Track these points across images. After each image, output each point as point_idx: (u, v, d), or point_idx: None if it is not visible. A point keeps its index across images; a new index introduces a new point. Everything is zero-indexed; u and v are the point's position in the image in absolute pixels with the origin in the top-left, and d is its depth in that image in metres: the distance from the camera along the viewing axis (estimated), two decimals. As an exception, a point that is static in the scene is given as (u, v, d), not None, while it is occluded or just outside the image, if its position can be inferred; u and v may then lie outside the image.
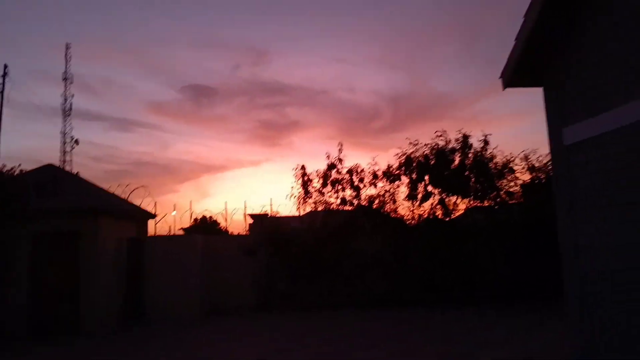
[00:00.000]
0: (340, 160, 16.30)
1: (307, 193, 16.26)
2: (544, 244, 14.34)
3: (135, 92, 46.75)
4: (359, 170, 16.30)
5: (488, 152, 15.54)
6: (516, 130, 34.75)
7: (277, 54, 45.86)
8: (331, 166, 16.28)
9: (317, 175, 16.39)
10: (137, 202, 16.58)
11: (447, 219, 15.86)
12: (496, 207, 15.89)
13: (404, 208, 16.39)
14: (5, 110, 23.35)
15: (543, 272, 14.22)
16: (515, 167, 15.83)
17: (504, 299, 14.27)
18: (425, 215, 15.82)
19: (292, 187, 16.39)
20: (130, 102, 49.19)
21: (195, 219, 31.78)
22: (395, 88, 43.98)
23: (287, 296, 15.54)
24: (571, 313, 6.06)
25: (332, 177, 16.32)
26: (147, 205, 16.78)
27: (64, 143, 36.98)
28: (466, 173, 15.54)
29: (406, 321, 12.41)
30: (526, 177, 15.99)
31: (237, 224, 16.92)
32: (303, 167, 16.34)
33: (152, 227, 17.18)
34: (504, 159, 15.74)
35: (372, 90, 45.61)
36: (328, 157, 16.29)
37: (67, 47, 36.54)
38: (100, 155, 48.70)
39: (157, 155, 48.87)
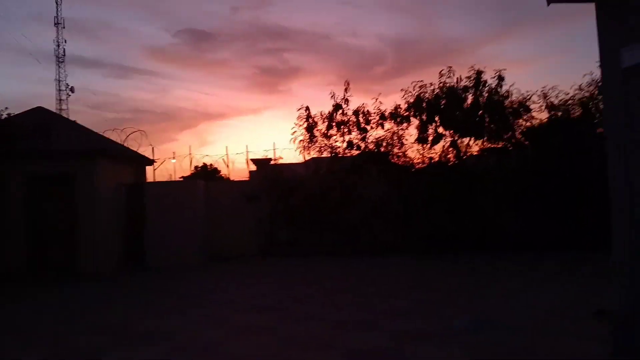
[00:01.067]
0: (346, 100, 15.39)
1: (311, 137, 15.47)
2: (559, 191, 13.83)
3: (132, 37, 44.89)
4: (365, 111, 15.45)
5: (503, 90, 14.64)
6: (527, 75, 33.38)
7: None
8: (337, 107, 15.40)
9: (322, 117, 15.55)
10: (134, 147, 15.88)
11: (458, 162, 15.18)
12: (510, 147, 15.17)
13: (414, 151, 15.69)
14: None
15: (558, 222, 13.79)
16: (532, 106, 15.04)
17: (515, 250, 13.45)
18: (437, 159, 15.11)
19: (295, 131, 15.60)
20: (127, 47, 47.46)
21: (196, 166, 31.15)
22: (400, 32, 42.06)
23: (289, 243, 15.14)
24: (619, 265, 5.47)
25: (337, 119, 15.49)
26: (145, 151, 16.10)
27: (59, 90, 36.16)
28: (480, 112, 14.70)
29: (419, 271, 12.04)
30: (543, 116, 15.19)
31: (239, 172, 16.37)
32: (307, 109, 15.48)
33: (150, 173, 16.60)
34: (520, 97, 14.90)
35: (376, 35, 43.66)
36: (333, 96, 15.40)
37: (59, -11, 34.64)
38: (98, 103, 47.50)
39: (155, 103, 47.65)
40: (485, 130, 14.86)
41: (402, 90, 15.00)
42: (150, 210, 13.59)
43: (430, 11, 40.53)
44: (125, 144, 15.90)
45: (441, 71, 14.75)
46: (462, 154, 15.17)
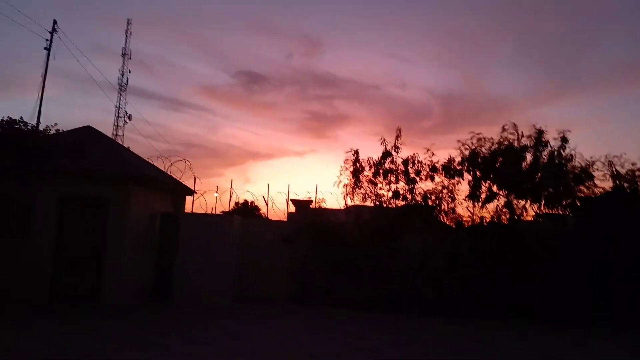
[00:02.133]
0: (396, 148, 14.75)
1: (357, 181, 14.80)
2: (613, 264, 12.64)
3: (189, 74, 46.87)
4: (415, 161, 14.73)
5: (566, 152, 13.70)
6: (580, 139, 32.19)
7: (331, 44, 44.89)
8: (386, 154, 14.75)
9: (369, 163, 14.91)
10: (177, 176, 15.60)
11: (511, 224, 14.12)
12: (569, 214, 14.04)
13: (463, 209, 14.76)
14: (61, 80, 22.95)
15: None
16: (595, 174, 13.98)
17: (561, 318, 12.39)
18: (489, 219, 14.11)
19: (341, 174, 14.97)
20: (184, 83, 49.43)
21: (237, 203, 30.96)
22: (448, 87, 42.14)
23: (323, 291, 14.23)
24: None
25: (386, 166, 14.82)
26: (187, 180, 15.74)
27: (117, 117, 37.94)
28: (539, 174, 13.75)
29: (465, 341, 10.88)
30: (607, 185, 14.09)
31: (278, 212, 15.86)
32: (356, 153, 14.90)
33: (191, 205, 16.19)
34: (583, 163, 13.90)
35: (423, 88, 43.90)
36: (383, 142, 14.79)
37: (128, 22, 37.04)
38: (152, 133, 48.95)
39: (205, 138, 48.87)
40: (542, 194, 13.85)
41: (458, 141, 14.29)
42: (183, 242, 13.03)
43: (477, 67, 40.34)
44: (168, 172, 15.67)
45: (504, 126, 14.01)
46: (515, 216, 14.11)
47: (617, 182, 13.83)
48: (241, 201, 30.42)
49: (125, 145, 21.97)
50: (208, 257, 12.91)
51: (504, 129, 13.95)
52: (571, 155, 13.61)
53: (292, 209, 15.46)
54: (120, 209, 11.83)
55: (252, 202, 28.40)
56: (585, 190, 13.96)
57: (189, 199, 15.98)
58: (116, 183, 11.91)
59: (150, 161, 15.50)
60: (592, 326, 12.03)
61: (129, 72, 38.07)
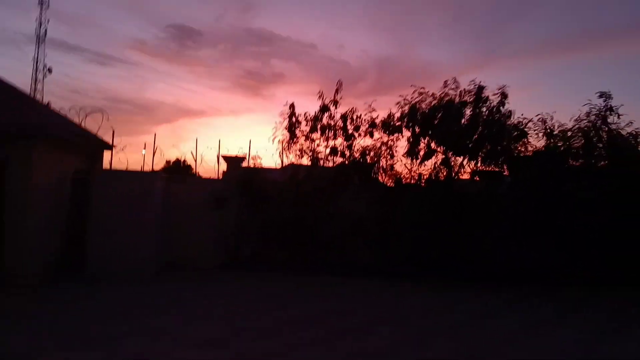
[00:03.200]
0: (335, 103, 13.91)
1: (293, 137, 13.90)
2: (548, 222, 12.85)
3: (116, 27, 42.62)
4: (354, 116, 14.00)
5: (505, 108, 13.47)
6: (511, 104, 32.91)
7: (269, 2, 42.30)
8: (324, 108, 13.89)
9: (307, 118, 14.01)
10: (94, 130, 13.86)
11: (448, 182, 13.93)
12: (505, 172, 14.04)
13: (402, 166, 14.35)
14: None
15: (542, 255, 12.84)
16: (529, 132, 13.93)
17: (496, 281, 12.44)
18: (427, 176, 13.81)
19: (276, 129, 13.99)
20: (111, 36, 44.83)
21: (168, 161, 29.20)
22: (383, 52, 41.66)
23: (257, 256, 13.52)
24: None
25: (323, 122, 13.98)
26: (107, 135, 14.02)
27: (36, 71, 34.70)
28: (478, 130, 13.49)
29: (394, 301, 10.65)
30: (541, 143, 14.12)
31: (209, 170, 14.64)
32: (292, 106, 13.91)
33: (111, 162, 14.50)
34: (516, 121, 13.78)
35: (359, 51, 43.03)
36: (321, 96, 13.87)
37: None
38: (76, 88, 44.47)
39: (134, 94, 45.29)
40: (480, 151, 13.67)
41: (400, 95, 13.66)
42: (98, 205, 11.61)
43: (413, 34, 40.19)
44: (83, 125, 13.90)
45: (446, 81, 13.50)
46: (453, 174, 13.92)
47: (551, 140, 13.88)
48: (172, 159, 28.77)
49: (46, 100, 19.89)
50: (128, 220, 11.64)
51: (445, 84, 13.47)
52: (509, 112, 13.40)
53: (224, 166, 14.38)
54: (20, 171, 10.20)
55: (185, 161, 26.80)
56: (520, 148, 13.95)
57: (108, 155, 14.33)
58: (16, 141, 10.21)
59: (65, 115, 13.65)
60: (525, 286, 12.21)
61: (48, 22, 34.86)
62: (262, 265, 13.26)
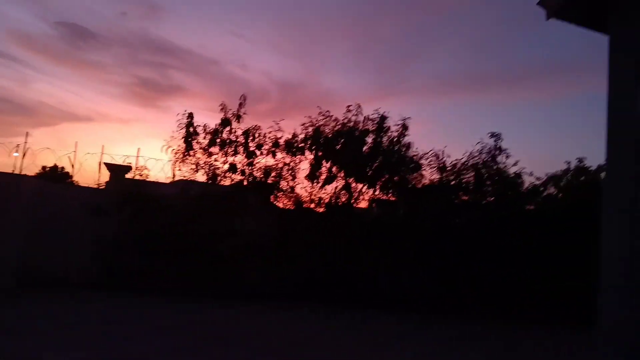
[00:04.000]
0: (238, 117, 13.27)
1: (189, 148, 12.97)
2: (439, 253, 13.19)
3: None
4: (257, 134, 13.46)
5: (405, 140, 13.79)
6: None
7: (172, 12, 40.85)
8: (225, 122, 13.19)
9: (206, 130, 13.19)
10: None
11: (347, 208, 13.82)
12: (399, 202, 14.27)
13: (302, 189, 13.99)
14: None
15: (428, 283, 13.09)
16: (424, 165, 14.37)
17: (386, 306, 12.48)
18: (327, 200, 13.57)
19: (170, 139, 12.97)
20: None
21: (44, 167, 26.20)
22: (286, 75, 42.07)
23: (138, 274, 12.15)
24: (605, 335, 4.11)
25: (223, 136, 13.25)
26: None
27: None
28: (379, 159, 13.61)
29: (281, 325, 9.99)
30: (435, 176, 14.63)
31: (89, 178, 13.02)
32: (190, 115, 13.01)
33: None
34: (415, 153, 14.19)
35: (263, 72, 43.08)
36: (223, 108, 13.17)
37: None
38: None
39: (13, 92, 40.40)
40: (379, 179, 13.79)
41: (307, 116, 13.44)
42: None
43: (316, 61, 41.30)
44: None
45: (349, 106, 13.51)
46: (352, 200, 13.85)
47: (443, 174, 14.41)
48: (49, 165, 26.02)
49: None
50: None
51: (348, 109, 13.52)
52: (409, 143, 13.74)
53: (107, 175, 12.96)
54: None
55: (62, 168, 24.41)
56: (416, 179, 14.31)
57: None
58: None
59: None
60: (407, 314, 12.25)
61: None
62: (143, 283, 11.90)
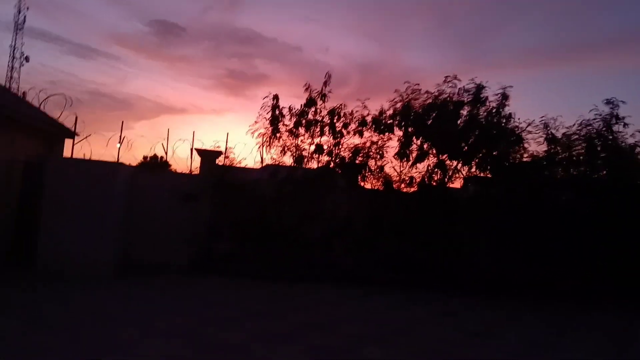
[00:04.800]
0: (323, 96, 12.80)
1: (276, 131, 12.72)
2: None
3: (98, 19, 41.19)
4: (343, 112, 12.92)
5: (505, 111, 12.54)
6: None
7: (252, 2, 41.64)
8: (310, 101, 12.75)
9: (291, 111, 12.87)
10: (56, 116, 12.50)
11: (442, 187, 12.92)
12: (499, 179, 13.08)
13: (390, 168, 13.29)
14: None
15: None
16: (528, 136, 12.99)
17: (486, 291, 11.64)
18: (419, 179, 12.76)
19: (257, 122, 12.80)
20: (93, 28, 43.42)
21: (145, 157, 27.79)
22: (367, 57, 41.19)
23: (230, 259, 12.22)
24: None
25: (309, 117, 12.86)
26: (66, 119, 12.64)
27: (12, 58, 34.14)
28: (475, 133, 12.53)
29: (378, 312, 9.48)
30: (542, 148, 13.20)
31: (181, 164, 13.42)
32: (276, 97, 12.74)
33: (75, 151, 13.07)
34: (518, 124, 12.85)
35: (343, 56, 42.49)
36: (308, 88, 12.76)
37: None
38: (55, 79, 42.74)
39: (114, 89, 43.74)
40: (476, 156, 12.72)
41: (395, 91, 12.65)
42: (51, 195, 10.27)
43: (397, 39, 39.79)
44: (41, 108, 12.57)
45: (447, 77, 12.52)
46: (446, 178, 12.92)
47: (552, 146, 12.98)
48: (150, 155, 27.46)
49: (22, 90, 18.85)
50: (85, 214, 10.31)
51: (445, 80, 12.50)
52: (510, 114, 12.47)
53: (198, 161, 13.11)
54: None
55: (162, 158, 25.62)
56: (517, 154, 13.03)
57: (71, 144, 12.95)
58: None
59: (21, 96, 12.29)
60: (511, 300, 11.27)
61: (27, 9, 34.28)
62: (236, 266, 11.97)
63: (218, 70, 42.91)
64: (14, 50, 34.03)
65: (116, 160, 12.74)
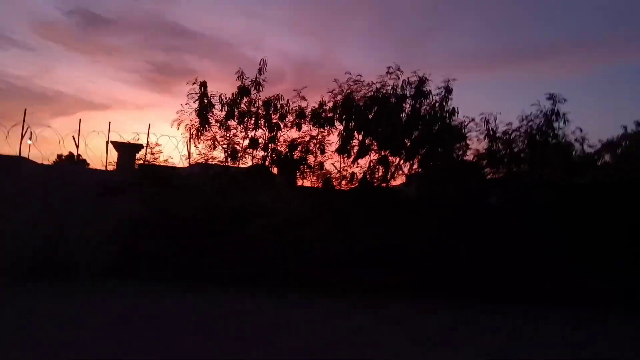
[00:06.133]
0: (257, 84, 11.73)
1: (205, 122, 11.52)
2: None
3: (12, 5, 37.09)
4: (279, 104, 11.93)
5: (449, 105, 12.05)
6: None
7: None
8: (243, 91, 11.67)
9: (222, 100, 11.70)
10: None
11: (384, 185, 12.27)
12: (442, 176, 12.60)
13: (330, 164, 12.46)
14: None
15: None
16: (469, 134, 12.61)
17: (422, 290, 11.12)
18: (360, 177, 12.01)
19: (182, 113, 11.52)
20: (6, 15, 39.21)
21: (59, 155, 25.36)
22: (302, 54, 40.24)
23: (157, 259, 10.90)
24: None
25: (242, 107, 11.76)
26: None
27: None
28: (418, 129, 11.96)
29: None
30: (482, 146, 12.88)
31: (96, 159, 11.85)
32: (203, 84, 11.52)
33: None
34: (461, 121, 12.43)
35: (278, 52, 41.25)
36: (240, 77, 11.65)
37: None
38: None
39: (30, 81, 39.74)
40: (419, 152, 12.16)
41: (335, 80, 11.80)
42: None
43: (333, 39, 39.28)
44: None
45: (389, 68, 11.80)
46: (389, 175, 12.28)
47: (493, 143, 12.67)
48: (61, 149, 25.28)
49: None
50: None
51: (388, 72, 11.79)
52: (453, 109, 12.00)
53: (116, 155, 11.64)
54: None
55: (79, 155, 23.65)
56: (460, 150, 12.62)
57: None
58: None
59: None
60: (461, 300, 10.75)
61: None
62: (161, 268, 10.66)
63: (144, 65, 40.45)
64: None
65: (28, 156, 10.99)
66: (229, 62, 39.57)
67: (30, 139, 11.61)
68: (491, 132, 12.40)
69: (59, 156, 26.68)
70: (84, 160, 18.95)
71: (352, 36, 38.83)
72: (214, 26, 41.76)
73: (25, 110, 10.81)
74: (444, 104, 11.92)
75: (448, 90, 11.90)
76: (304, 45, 40.60)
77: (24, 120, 10.70)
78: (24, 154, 10.72)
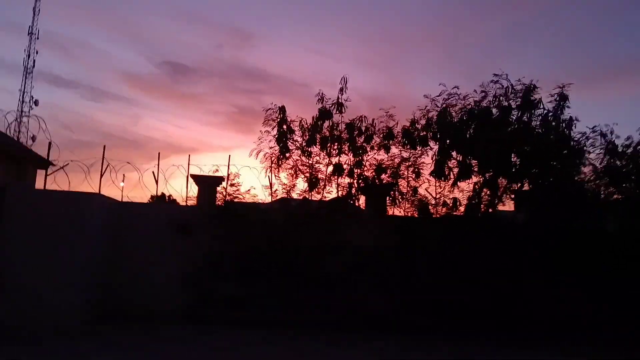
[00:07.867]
0: (340, 105, 10.72)
1: (285, 150, 10.63)
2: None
3: (109, 61, 41.30)
4: (364, 126, 10.79)
5: (565, 115, 10.20)
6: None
7: (261, 38, 41.72)
8: (324, 114, 10.68)
9: (302, 126, 10.80)
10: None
11: (490, 212, 10.53)
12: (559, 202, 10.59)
13: (424, 189, 10.99)
14: None
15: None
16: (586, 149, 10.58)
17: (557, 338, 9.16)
18: (464, 202, 10.38)
19: (260, 141, 10.75)
20: (104, 70, 43.49)
21: (152, 196, 26.33)
22: (374, 89, 40.04)
23: (235, 303, 9.96)
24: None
25: (324, 132, 10.77)
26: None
27: (22, 102, 33.99)
28: (528, 145, 10.19)
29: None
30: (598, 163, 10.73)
31: (177, 196, 11.52)
32: (282, 110, 10.68)
33: (51, 183, 11.14)
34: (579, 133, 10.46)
35: (351, 89, 41.43)
36: (320, 99, 10.72)
37: (36, -1, 32.03)
38: (68, 123, 42.55)
39: (125, 129, 43.23)
40: (530, 171, 10.37)
41: (425, 96, 10.48)
42: (10, 227, 8.31)
43: (404, 72, 38.74)
44: (11, 134, 10.87)
45: (495, 76, 10.24)
46: (495, 200, 10.54)
47: (612, 159, 10.51)
48: (157, 194, 26.10)
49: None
50: (52, 252, 8.29)
51: (492, 81, 10.22)
52: (571, 118, 10.13)
53: (195, 189, 11.06)
54: None
55: (170, 196, 24.28)
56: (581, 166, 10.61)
57: (43, 175, 11.01)
58: None
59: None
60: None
61: (36, 53, 34.35)
62: (243, 313, 9.69)
63: (228, 108, 42.41)
64: (23, 94, 33.64)
65: (121, 198, 10.74)
66: (306, 100, 40.41)
67: (123, 181, 11.49)
68: (610, 146, 10.34)
69: (152, 197, 27.57)
70: (174, 201, 18.88)
71: (422, 68, 38.26)
72: (290, 67, 43.11)
73: (104, 146, 10.62)
74: (558, 112, 10.10)
75: (563, 98, 10.09)
76: (374, 80, 40.59)
77: (103, 157, 10.52)
78: (109, 192, 10.52)
